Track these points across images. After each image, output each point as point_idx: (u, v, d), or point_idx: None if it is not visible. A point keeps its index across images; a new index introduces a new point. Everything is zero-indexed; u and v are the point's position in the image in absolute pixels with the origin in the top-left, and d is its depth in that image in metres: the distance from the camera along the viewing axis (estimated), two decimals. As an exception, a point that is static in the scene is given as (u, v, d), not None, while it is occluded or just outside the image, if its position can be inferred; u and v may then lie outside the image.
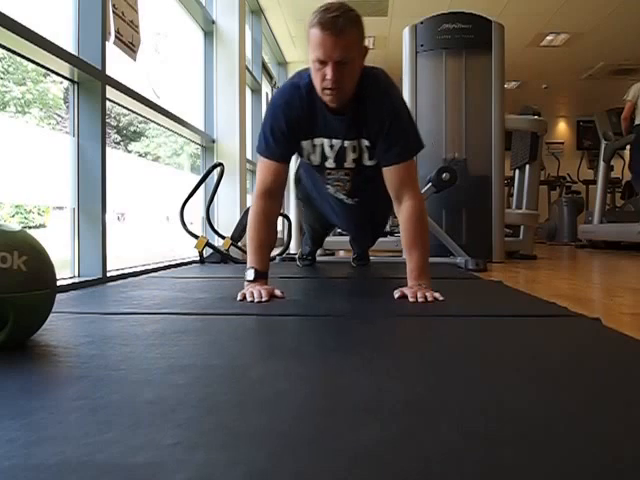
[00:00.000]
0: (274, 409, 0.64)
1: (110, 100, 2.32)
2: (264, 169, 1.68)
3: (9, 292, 0.88)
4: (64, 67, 1.94)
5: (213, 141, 3.99)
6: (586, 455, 0.50)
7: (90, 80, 2.07)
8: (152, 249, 5.48)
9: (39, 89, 3.05)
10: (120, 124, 4.95)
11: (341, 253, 4.01)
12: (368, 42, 6.43)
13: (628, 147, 5.47)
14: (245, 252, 1.71)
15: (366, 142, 1.69)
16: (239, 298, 1.53)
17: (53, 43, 1.81)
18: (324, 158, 1.75)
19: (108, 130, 2.45)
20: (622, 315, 1.48)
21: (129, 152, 5.03)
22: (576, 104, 9.81)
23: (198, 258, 3.02)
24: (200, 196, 3.44)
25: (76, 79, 2.06)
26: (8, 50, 1.73)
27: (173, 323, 1.20)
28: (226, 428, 0.58)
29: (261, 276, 1.61)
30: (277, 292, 1.57)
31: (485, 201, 3.46)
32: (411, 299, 1.51)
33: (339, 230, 3.33)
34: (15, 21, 1.61)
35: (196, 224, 3.80)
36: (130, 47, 2.39)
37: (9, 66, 2.69)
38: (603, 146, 5.78)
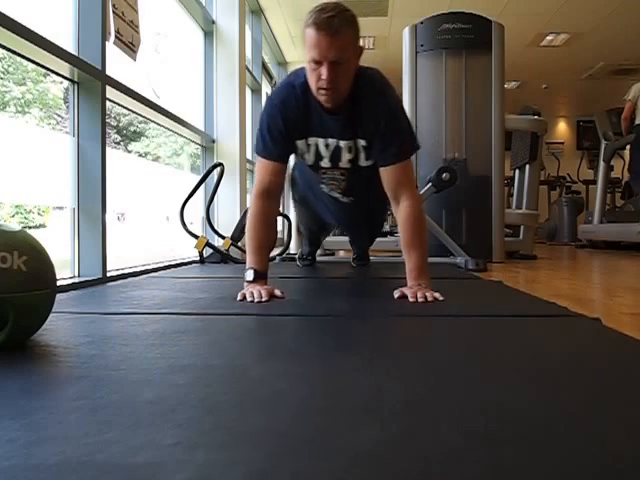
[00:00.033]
0: (274, 409, 0.64)
1: (110, 100, 2.32)
2: (262, 169, 1.68)
3: (9, 292, 0.88)
4: (64, 67, 1.94)
5: (213, 141, 3.99)
6: (586, 455, 0.50)
7: (90, 80, 2.07)
8: (152, 249, 5.48)
9: (39, 89, 3.05)
10: (120, 124, 4.95)
11: (341, 253, 4.01)
12: (368, 42, 6.44)
13: (628, 147, 5.47)
14: (245, 252, 1.72)
15: (363, 142, 1.69)
16: (239, 298, 1.53)
17: (53, 43, 1.81)
18: (319, 157, 1.75)
19: (108, 130, 2.45)
20: (622, 315, 1.48)
21: (129, 152, 5.03)
22: (576, 104, 9.81)
23: (198, 258, 3.02)
24: (200, 196, 3.44)
25: (76, 79, 2.06)
26: (8, 50, 1.73)
27: (173, 323, 1.20)
28: (226, 428, 0.58)
29: (260, 276, 1.61)
30: (277, 292, 1.57)
31: (485, 201, 3.46)
32: (411, 299, 1.51)
33: (339, 230, 3.33)
34: (15, 21, 1.61)
35: (196, 224, 3.80)
36: (130, 47, 2.39)
37: (9, 66, 2.69)
38: (603, 146, 5.78)
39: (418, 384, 0.74)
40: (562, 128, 10.64)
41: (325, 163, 1.77)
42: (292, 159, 1.90)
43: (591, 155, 8.52)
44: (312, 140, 1.70)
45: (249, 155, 4.53)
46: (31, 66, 2.01)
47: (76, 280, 1.97)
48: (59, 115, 3.18)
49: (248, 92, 4.92)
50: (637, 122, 5.10)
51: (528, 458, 0.49)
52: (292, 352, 0.95)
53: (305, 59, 1.53)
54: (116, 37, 2.24)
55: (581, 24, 5.92)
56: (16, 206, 3.49)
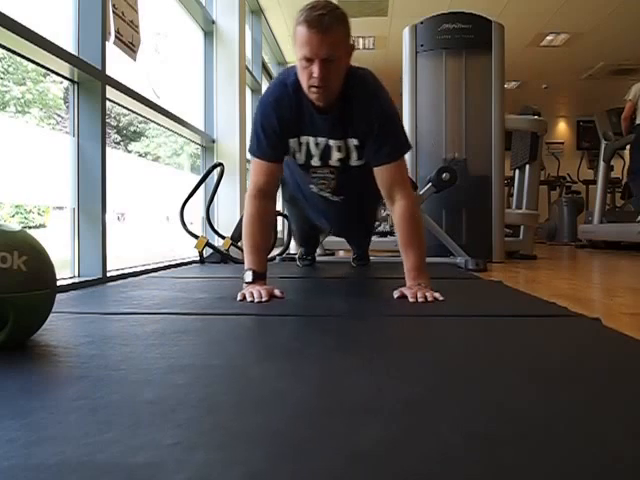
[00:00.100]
0: (274, 409, 0.64)
1: (110, 100, 2.32)
2: (257, 170, 1.68)
3: (9, 292, 0.88)
4: (64, 67, 1.94)
5: (213, 141, 3.99)
6: (586, 455, 0.50)
7: (90, 80, 2.07)
8: (152, 249, 5.48)
9: (39, 89, 3.05)
10: (120, 124, 4.95)
11: (341, 253, 4.01)
12: (368, 42, 6.44)
13: (628, 147, 5.47)
14: (245, 252, 1.72)
15: (355, 141, 1.69)
16: (239, 298, 1.53)
17: (53, 43, 1.81)
18: (309, 156, 1.75)
19: (108, 130, 2.45)
20: (622, 315, 1.48)
21: (129, 152, 5.04)
22: (576, 104, 9.81)
23: (198, 258, 3.02)
24: (200, 196, 3.44)
25: (76, 79, 2.06)
26: (8, 50, 1.73)
27: (173, 323, 1.20)
28: (226, 428, 0.58)
29: (259, 277, 1.61)
30: (277, 292, 1.57)
31: (485, 201, 3.46)
32: (411, 299, 1.50)
33: (330, 232, 3.32)
34: (15, 21, 1.61)
35: (196, 224, 3.80)
36: (130, 47, 2.39)
37: (9, 66, 2.69)
38: (603, 146, 5.78)
39: (418, 384, 0.74)
40: (562, 128, 10.65)
41: (315, 162, 1.77)
42: None
43: (591, 155, 8.52)
44: (304, 139, 1.71)
45: (249, 155, 4.52)
46: (31, 66, 2.01)
47: (76, 280, 1.97)
48: (59, 115, 3.18)
49: (248, 92, 4.92)
50: (637, 122, 5.10)
51: (528, 458, 0.49)
52: (292, 352, 0.95)
53: (296, 57, 1.53)
54: (116, 37, 2.24)
55: (581, 24, 5.92)
56: (16, 206, 3.49)
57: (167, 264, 2.90)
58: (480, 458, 0.50)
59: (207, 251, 3.05)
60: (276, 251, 3.22)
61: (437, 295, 1.51)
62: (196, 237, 2.95)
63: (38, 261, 0.94)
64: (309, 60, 1.49)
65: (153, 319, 1.24)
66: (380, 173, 1.66)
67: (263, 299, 1.50)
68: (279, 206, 3.46)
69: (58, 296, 1.08)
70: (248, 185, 1.71)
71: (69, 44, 2.05)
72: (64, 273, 2.03)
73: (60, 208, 2.51)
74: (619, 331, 1.11)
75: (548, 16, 5.70)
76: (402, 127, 1.75)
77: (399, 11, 5.46)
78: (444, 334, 1.13)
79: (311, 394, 0.70)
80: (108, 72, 2.17)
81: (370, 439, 0.54)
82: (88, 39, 2.10)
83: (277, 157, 1.69)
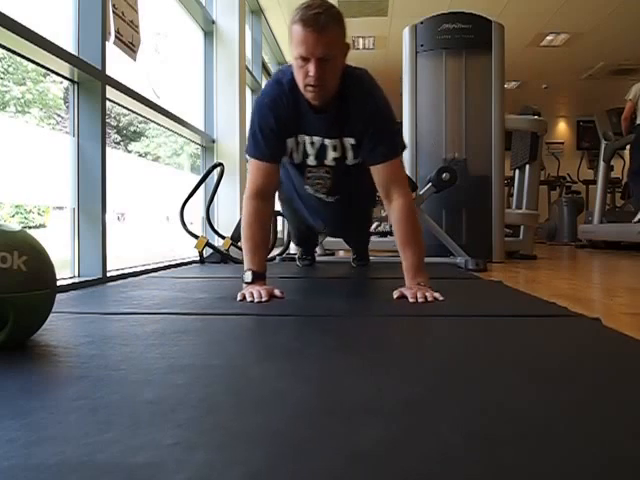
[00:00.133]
0: (273, 409, 0.64)
1: (110, 100, 2.32)
2: (255, 171, 1.68)
3: (9, 292, 0.88)
4: (64, 67, 1.94)
5: (213, 141, 3.99)
6: (586, 455, 0.50)
7: (90, 80, 2.07)
8: (152, 249, 5.48)
9: (39, 89, 3.05)
10: (120, 124, 4.95)
11: (341, 253, 4.01)
12: (368, 42, 6.43)
13: (628, 147, 5.47)
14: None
15: (351, 140, 1.70)
16: (239, 298, 1.53)
17: (53, 43, 1.81)
18: (305, 155, 1.75)
19: (108, 130, 2.45)
20: (622, 315, 1.48)
21: (129, 152, 5.04)
22: (576, 104, 9.82)
23: (198, 258, 3.02)
24: (200, 196, 3.44)
25: (76, 79, 2.06)
26: (8, 50, 1.73)
27: (173, 323, 1.20)
28: (225, 428, 0.58)
29: (259, 277, 1.61)
30: (277, 292, 1.56)
31: (485, 201, 3.46)
32: (411, 299, 1.50)
33: (325, 232, 3.32)
34: (15, 21, 1.61)
35: (196, 224, 3.80)
36: (130, 47, 2.39)
37: (9, 66, 2.69)
38: (603, 146, 5.78)
39: (418, 384, 0.74)
40: (562, 128, 10.65)
41: (311, 161, 1.77)
42: None
43: (591, 155, 8.52)
44: (300, 138, 1.71)
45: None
46: (31, 66, 2.01)
47: (76, 280, 1.97)
48: (59, 115, 3.18)
49: (248, 92, 4.92)
50: (638, 122, 5.10)
51: (528, 458, 0.49)
52: (292, 352, 0.95)
53: (292, 56, 1.53)
54: (116, 37, 2.24)
55: (581, 24, 5.92)
56: (16, 206, 3.49)
57: (167, 264, 2.90)
58: (480, 458, 0.50)
59: (207, 251, 3.05)
60: (276, 251, 3.22)
61: (437, 295, 1.51)
62: (196, 237, 2.95)
63: (38, 261, 0.94)
64: (305, 59, 1.49)
65: (153, 319, 1.24)
66: (377, 172, 1.67)
67: (263, 299, 1.50)
68: (278, 206, 3.47)
69: (58, 296, 1.08)
70: (246, 186, 1.71)
71: (69, 44, 2.05)
72: (64, 273, 2.03)
73: (60, 208, 2.51)
74: (619, 331, 1.11)
75: (548, 16, 5.70)
76: (398, 125, 1.75)
77: (399, 11, 5.46)
78: (444, 334, 1.13)
79: (311, 394, 0.70)
80: (108, 72, 2.17)
81: (370, 439, 0.54)
82: (88, 39, 2.10)
83: (275, 158, 1.69)
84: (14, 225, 0.97)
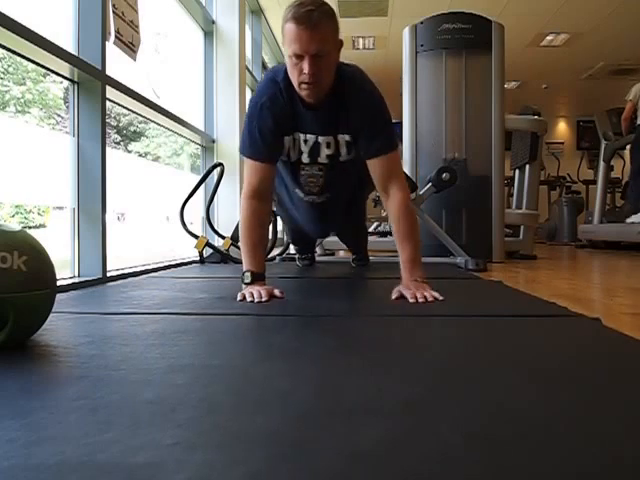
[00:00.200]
0: (273, 409, 0.64)
1: (110, 100, 2.32)
2: (252, 171, 1.67)
3: (9, 292, 0.88)
4: (64, 67, 1.94)
5: (213, 141, 3.99)
6: (586, 455, 0.50)
7: (90, 80, 2.07)
8: (152, 249, 5.48)
9: (39, 89, 3.05)
10: (120, 124, 4.95)
11: (341, 253, 4.01)
12: (368, 42, 6.43)
13: (628, 147, 5.47)
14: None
15: (346, 137, 1.70)
16: (239, 298, 1.53)
17: (53, 43, 1.81)
18: (300, 153, 1.75)
19: (108, 130, 2.45)
20: (622, 315, 1.48)
21: (129, 152, 5.03)
22: (576, 104, 9.82)
23: (198, 258, 3.02)
24: (200, 196, 3.44)
25: (76, 79, 2.06)
26: (8, 50, 1.73)
27: (173, 323, 1.20)
28: (225, 428, 0.58)
29: (258, 277, 1.61)
30: (276, 292, 1.56)
31: (485, 201, 3.46)
32: (411, 300, 1.48)
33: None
34: (15, 21, 1.61)
35: (196, 224, 3.80)
36: (130, 47, 2.39)
37: (9, 66, 2.69)
38: (603, 146, 5.79)
39: (418, 384, 0.74)
40: (562, 128, 10.65)
41: (305, 159, 1.77)
42: None
43: (591, 155, 8.52)
44: (296, 135, 1.71)
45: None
46: (31, 66, 2.01)
47: (76, 280, 1.97)
48: (59, 115, 3.18)
49: (248, 92, 4.92)
50: (638, 122, 5.10)
51: (528, 458, 0.49)
52: (292, 352, 0.94)
53: (285, 54, 1.53)
54: (116, 37, 2.24)
55: (581, 24, 5.92)
56: (16, 206, 3.49)
57: (167, 264, 2.90)
58: (480, 458, 0.50)
59: (207, 251, 3.05)
60: (276, 251, 3.22)
61: (436, 294, 1.50)
62: (196, 237, 2.95)
63: (38, 261, 0.94)
64: (299, 57, 1.49)
65: (153, 319, 1.24)
66: (373, 166, 1.67)
67: (263, 299, 1.50)
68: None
69: (58, 296, 1.08)
70: (243, 186, 1.71)
71: (69, 44, 2.05)
72: (64, 273, 2.03)
73: (60, 208, 2.51)
74: (619, 331, 1.11)
75: (548, 16, 5.70)
76: (391, 120, 1.73)
77: (399, 11, 5.46)
78: (444, 334, 1.13)
79: (311, 394, 0.70)
80: (108, 72, 2.17)
81: (370, 439, 0.54)
82: (88, 39, 2.10)
83: (272, 157, 1.69)
84: (14, 225, 0.97)
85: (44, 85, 3.07)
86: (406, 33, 3.61)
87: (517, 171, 4.51)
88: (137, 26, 2.47)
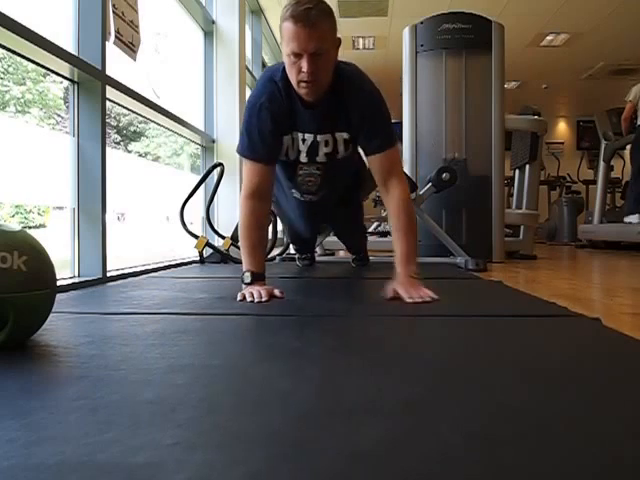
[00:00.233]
0: (273, 409, 0.64)
1: (110, 100, 2.32)
2: (251, 171, 1.66)
3: (9, 292, 0.88)
4: (64, 67, 1.94)
5: (213, 141, 3.99)
6: (586, 455, 0.50)
7: (90, 80, 2.07)
8: (152, 249, 5.48)
9: (39, 89, 3.05)
10: (120, 124, 4.95)
11: (341, 253, 4.01)
12: (368, 42, 6.43)
13: (628, 147, 5.47)
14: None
15: (344, 135, 1.70)
16: (239, 298, 1.53)
17: (53, 43, 1.81)
18: (298, 152, 1.75)
19: (108, 130, 2.45)
20: (622, 315, 1.48)
21: (129, 152, 5.03)
22: (576, 104, 9.82)
23: (198, 258, 3.02)
24: (200, 196, 3.44)
25: (76, 79, 2.06)
26: (8, 50, 1.73)
27: (173, 323, 1.20)
28: (226, 428, 0.58)
29: (258, 277, 1.61)
30: (276, 292, 1.56)
31: (485, 201, 3.46)
32: (408, 300, 1.47)
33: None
34: (15, 21, 1.61)
35: (196, 224, 3.80)
36: (130, 47, 2.39)
37: (9, 66, 2.69)
38: (603, 146, 5.79)
39: (418, 384, 0.74)
40: (562, 128, 10.65)
41: (303, 158, 1.77)
42: None
43: (591, 155, 8.52)
44: (295, 135, 1.71)
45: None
46: (31, 66, 2.01)
47: (76, 280, 1.97)
48: (59, 115, 3.18)
49: (248, 92, 4.92)
50: (638, 123, 5.10)
51: (528, 458, 0.49)
52: (292, 352, 0.94)
53: (283, 53, 1.53)
54: (116, 37, 2.24)
55: (581, 24, 5.92)
56: (16, 206, 3.49)
57: (167, 264, 2.90)
58: (480, 458, 0.50)
59: (207, 251, 3.05)
60: (276, 251, 3.22)
61: (430, 293, 1.48)
62: (196, 237, 2.95)
63: (38, 261, 0.94)
64: (297, 55, 1.49)
65: (153, 319, 1.24)
66: (373, 162, 1.68)
67: (263, 299, 1.50)
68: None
69: (58, 296, 1.08)
70: (242, 186, 1.70)
71: (69, 44, 2.05)
72: (64, 273, 2.03)
73: (60, 208, 2.51)
74: (619, 331, 1.11)
75: (548, 16, 5.70)
76: (390, 117, 1.74)
77: (399, 11, 5.46)
78: (444, 334, 1.13)
79: (311, 394, 0.70)
80: (108, 72, 2.17)
81: (370, 439, 0.54)
82: (88, 39, 2.10)
83: (271, 158, 1.69)
84: (14, 225, 0.97)
85: (44, 85, 3.07)
86: (406, 33, 3.61)
87: (517, 171, 4.51)
88: (137, 26, 2.47)
